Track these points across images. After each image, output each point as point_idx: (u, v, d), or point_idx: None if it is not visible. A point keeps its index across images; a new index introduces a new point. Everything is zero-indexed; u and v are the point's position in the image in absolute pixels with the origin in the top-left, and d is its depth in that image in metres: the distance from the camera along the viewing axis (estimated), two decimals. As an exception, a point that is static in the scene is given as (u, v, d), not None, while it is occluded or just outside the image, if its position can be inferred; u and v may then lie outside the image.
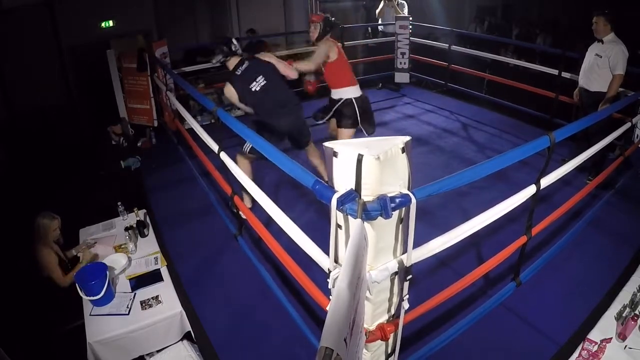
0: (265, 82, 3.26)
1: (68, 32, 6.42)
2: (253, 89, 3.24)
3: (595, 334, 2.18)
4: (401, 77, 6.64)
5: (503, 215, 2.11)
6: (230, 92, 3.31)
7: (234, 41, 3.40)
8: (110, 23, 6.83)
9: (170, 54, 5.35)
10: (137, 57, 4.83)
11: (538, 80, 5.34)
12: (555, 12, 8.12)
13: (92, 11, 6.52)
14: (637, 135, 3.98)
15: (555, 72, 4.90)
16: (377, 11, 6.70)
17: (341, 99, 3.58)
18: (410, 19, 6.32)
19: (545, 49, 6.64)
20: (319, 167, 3.69)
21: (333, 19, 3.65)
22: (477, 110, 5.94)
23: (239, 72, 3.30)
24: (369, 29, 7.44)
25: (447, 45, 6.22)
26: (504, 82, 5.63)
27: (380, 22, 6.74)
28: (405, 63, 6.52)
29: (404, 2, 6.56)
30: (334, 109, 3.61)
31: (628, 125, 3.30)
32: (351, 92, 3.57)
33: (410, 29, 6.32)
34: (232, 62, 3.35)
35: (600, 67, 3.73)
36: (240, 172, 2.53)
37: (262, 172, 3.70)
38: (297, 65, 3.49)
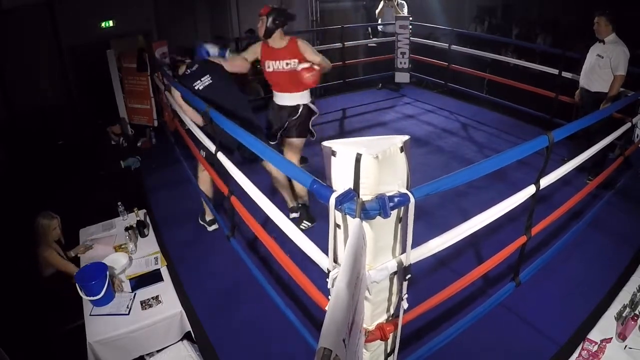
0: (210, 81, 3.11)
1: (68, 32, 6.43)
2: (196, 87, 3.09)
3: (595, 334, 2.18)
4: (401, 77, 6.64)
5: (502, 215, 2.11)
6: (175, 92, 3.23)
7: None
8: (110, 23, 6.84)
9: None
10: (137, 57, 4.83)
11: (538, 80, 5.34)
12: (555, 12, 8.12)
13: (92, 11, 6.53)
14: (637, 135, 3.98)
15: (555, 71, 4.90)
16: (377, 11, 6.70)
17: (297, 105, 3.25)
18: (410, 18, 6.31)
19: (545, 49, 6.64)
20: (280, 189, 3.43)
21: (287, 9, 3.23)
22: (477, 110, 5.94)
23: (187, 73, 3.21)
24: (369, 29, 7.44)
25: (447, 45, 6.22)
26: (504, 82, 5.63)
27: (380, 22, 6.74)
28: (405, 63, 6.52)
29: (403, 2, 6.55)
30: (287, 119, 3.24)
31: (628, 125, 3.29)
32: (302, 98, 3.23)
33: (410, 28, 6.32)
34: (183, 67, 3.28)
35: (601, 67, 3.73)
36: (237, 172, 2.52)
37: (259, 172, 3.70)
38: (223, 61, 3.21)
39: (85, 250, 3.14)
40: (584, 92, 3.98)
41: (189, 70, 3.20)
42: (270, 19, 3.08)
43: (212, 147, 2.80)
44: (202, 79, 3.12)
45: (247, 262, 2.73)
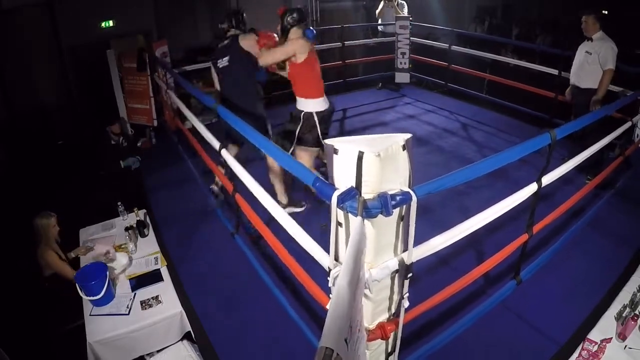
0: (227, 64, 3.20)
1: (68, 32, 6.43)
2: (219, 65, 3.28)
3: (595, 334, 2.17)
4: (401, 77, 6.64)
5: (504, 214, 2.11)
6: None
7: (242, 17, 3.38)
8: (110, 23, 6.84)
9: (171, 53, 5.35)
10: (137, 57, 4.83)
11: (538, 80, 5.34)
12: (555, 12, 8.13)
13: (92, 11, 6.53)
14: (637, 135, 3.98)
15: (555, 72, 4.91)
16: (377, 11, 6.70)
17: (302, 111, 3.14)
18: (410, 19, 6.32)
19: (545, 49, 6.64)
20: (275, 185, 3.37)
21: (300, 7, 3.29)
22: (477, 110, 5.94)
23: (220, 45, 3.33)
24: (369, 29, 7.45)
25: (447, 45, 6.22)
26: (504, 82, 5.63)
27: (380, 22, 6.75)
28: (405, 63, 6.52)
29: (403, 2, 6.56)
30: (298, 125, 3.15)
31: (628, 124, 3.30)
32: (313, 105, 3.12)
33: (410, 29, 6.32)
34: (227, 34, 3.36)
35: (590, 64, 3.81)
36: (241, 170, 2.53)
37: (261, 169, 3.68)
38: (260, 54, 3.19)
39: (86, 252, 3.13)
40: (575, 89, 4.05)
41: (222, 43, 3.35)
42: (284, 18, 3.13)
43: (216, 145, 2.81)
44: (223, 59, 3.23)
45: (251, 259, 2.73)
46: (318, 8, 8.84)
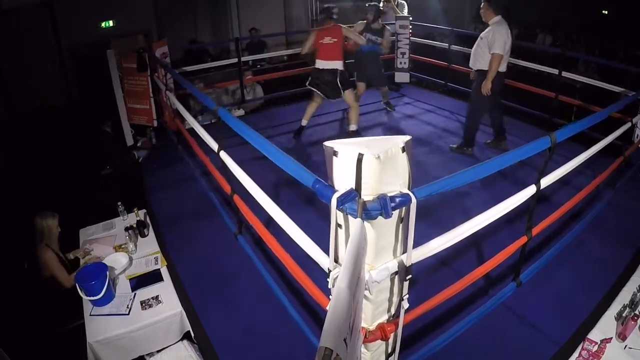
0: None
1: (68, 32, 6.44)
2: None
3: (595, 334, 2.18)
4: (401, 77, 6.64)
5: (503, 215, 2.11)
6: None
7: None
8: (110, 23, 6.85)
9: (170, 53, 5.35)
10: (137, 57, 4.83)
11: (538, 80, 5.34)
12: (556, 12, 8.13)
13: (92, 11, 6.54)
14: (637, 135, 3.98)
15: (555, 71, 4.90)
16: (377, 11, 6.69)
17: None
18: (410, 18, 6.31)
19: (545, 49, 6.64)
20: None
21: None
22: (477, 110, 5.92)
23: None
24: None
25: (447, 44, 6.21)
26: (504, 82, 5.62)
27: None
28: (405, 63, 6.52)
29: (404, 2, 6.55)
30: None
31: (628, 125, 3.29)
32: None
33: (410, 28, 6.32)
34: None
35: (481, 47, 4.08)
36: (240, 171, 2.54)
37: (262, 171, 3.66)
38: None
39: (85, 255, 3.12)
40: (473, 71, 4.34)
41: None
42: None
43: (215, 146, 2.82)
44: None
45: (253, 259, 2.73)
46: (318, 8, 8.85)
